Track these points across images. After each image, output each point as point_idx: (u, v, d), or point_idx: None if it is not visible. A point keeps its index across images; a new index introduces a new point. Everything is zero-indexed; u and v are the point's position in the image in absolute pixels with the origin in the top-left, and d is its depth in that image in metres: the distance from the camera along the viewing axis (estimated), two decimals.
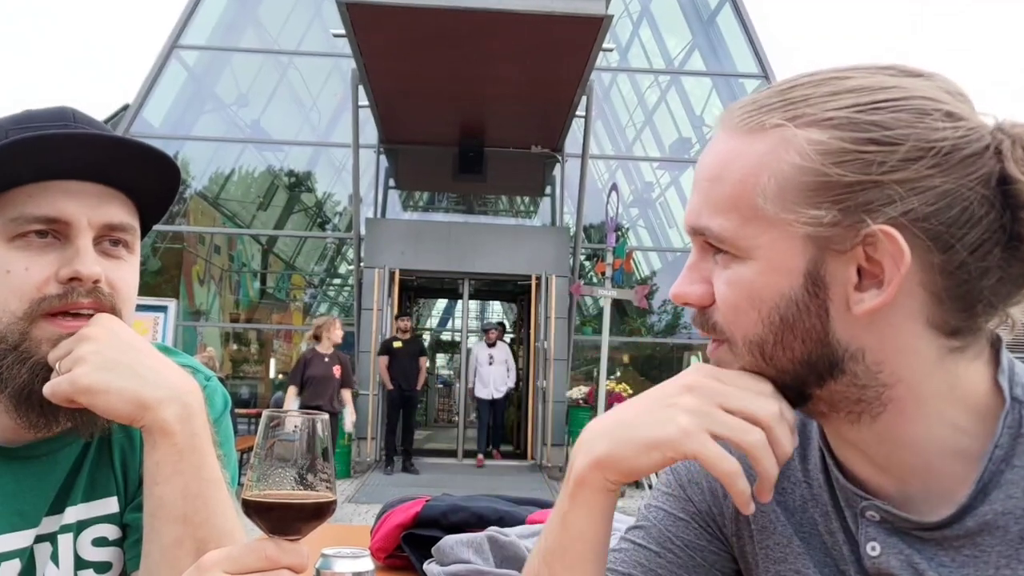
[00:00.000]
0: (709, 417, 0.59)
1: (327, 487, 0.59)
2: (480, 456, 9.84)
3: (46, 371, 0.75)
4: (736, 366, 0.63)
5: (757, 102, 0.62)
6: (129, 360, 0.74)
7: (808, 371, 0.61)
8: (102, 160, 0.77)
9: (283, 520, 0.58)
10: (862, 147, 0.56)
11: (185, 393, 0.76)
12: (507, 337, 10.93)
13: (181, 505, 0.74)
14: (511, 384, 10.18)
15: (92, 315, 0.77)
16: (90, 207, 0.77)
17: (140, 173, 0.80)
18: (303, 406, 6.27)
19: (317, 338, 6.93)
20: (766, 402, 0.60)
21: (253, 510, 0.57)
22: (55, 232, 0.76)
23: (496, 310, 19.28)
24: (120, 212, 0.80)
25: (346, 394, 7.06)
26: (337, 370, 6.90)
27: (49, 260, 0.75)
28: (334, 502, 0.60)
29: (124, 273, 0.81)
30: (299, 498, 0.58)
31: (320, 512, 0.59)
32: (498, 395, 9.94)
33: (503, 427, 10.35)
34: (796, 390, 0.62)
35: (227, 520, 0.76)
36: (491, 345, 10.04)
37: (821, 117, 0.58)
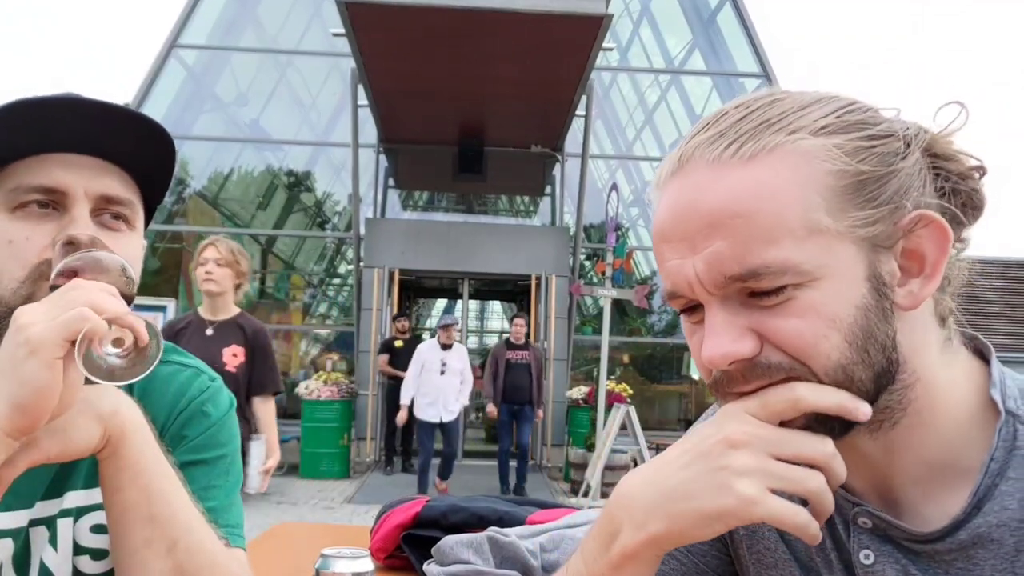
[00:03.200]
0: (766, 474, 0.54)
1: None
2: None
3: None
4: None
5: (727, 136, 0.58)
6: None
7: (880, 383, 0.57)
8: (99, 132, 0.79)
9: None
10: (870, 143, 0.57)
11: (111, 398, 0.75)
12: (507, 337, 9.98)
13: (146, 506, 0.74)
14: (465, 401, 7.52)
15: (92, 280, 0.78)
16: (87, 178, 0.79)
17: (134, 143, 0.81)
18: None
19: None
20: (818, 440, 0.56)
21: None
22: (53, 203, 0.78)
23: (496, 310, 19.28)
24: (117, 185, 0.81)
25: (261, 409, 3.45)
26: (232, 355, 3.34)
27: (48, 229, 0.78)
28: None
29: (123, 246, 0.81)
30: None
31: None
32: (449, 417, 7.26)
33: (455, 457, 7.65)
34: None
35: (190, 515, 0.77)
36: (446, 347, 7.33)
37: (818, 126, 0.57)
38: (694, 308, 0.61)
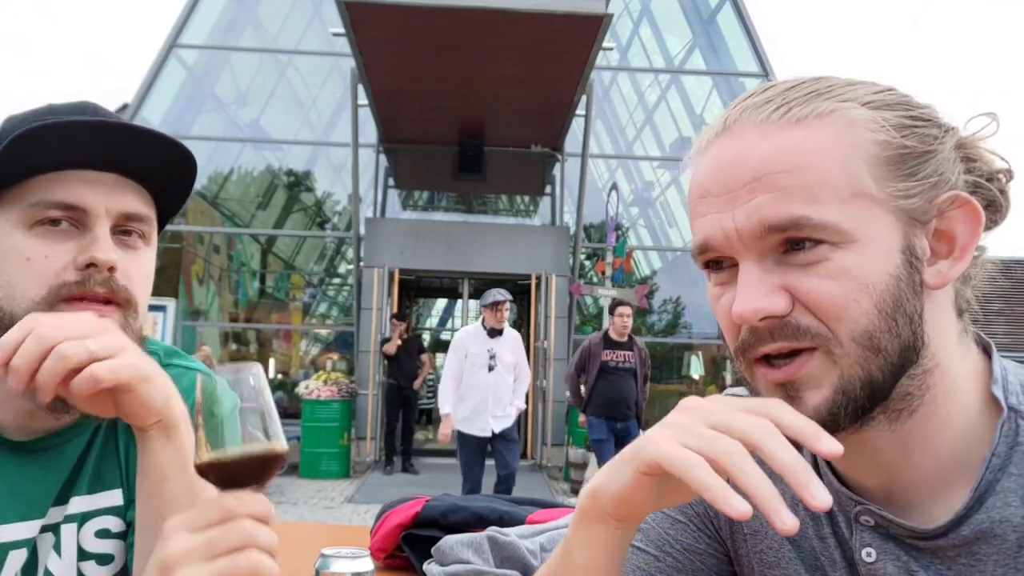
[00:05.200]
0: (684, 430, 0.53)
1: (272, 436, 0.57)
2: None
3: None
4: (835, 372, 0.57)
5: (774, 102, 0.59)
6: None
7: (905, 358, 0.57)
8: (119, 150, 0.78)
9: (234, 474, 0.56)
10: (914, 122, 0.58)
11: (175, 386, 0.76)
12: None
13: (186, 502, 0.74)
14: (521, 404, 5.47)
15: (108, 303, 0.78)
16: (107, 196, 0.78)
17: (156, 163, 0.81)
18: None
19: None
20: (753, 419, 0.52)
21: (202, 473, 0.56)
22: (73, 220, 0.77)
23: None
24: (137, 202, 0.81)
25: None
26: None
27: (67, 247, 0.77)
28: (284, 452, 0.58)
29: (139, 263, 0.82)
30: (246, 451, 0.56)
31: (269, 462, 0.57)
32: (501, 425, 5.21)
33: (513, 483, 5.33)
34: (887, 387, 0.58)
35: None
36: (494, 333, 5.29)
37: (864, 100, 0.59)
38: (721, 268, 0.62)
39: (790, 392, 0.59)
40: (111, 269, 0.77)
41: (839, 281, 0.56)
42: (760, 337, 0.59)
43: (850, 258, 0.56)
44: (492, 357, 5.27)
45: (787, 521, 0.48)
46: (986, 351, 0.64)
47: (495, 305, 5.30)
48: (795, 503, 0.69)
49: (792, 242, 0.57)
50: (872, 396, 0.57)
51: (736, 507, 0.48)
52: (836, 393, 0.57)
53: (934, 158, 0.58)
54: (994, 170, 0.61)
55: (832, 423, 0.57)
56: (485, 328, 5.35)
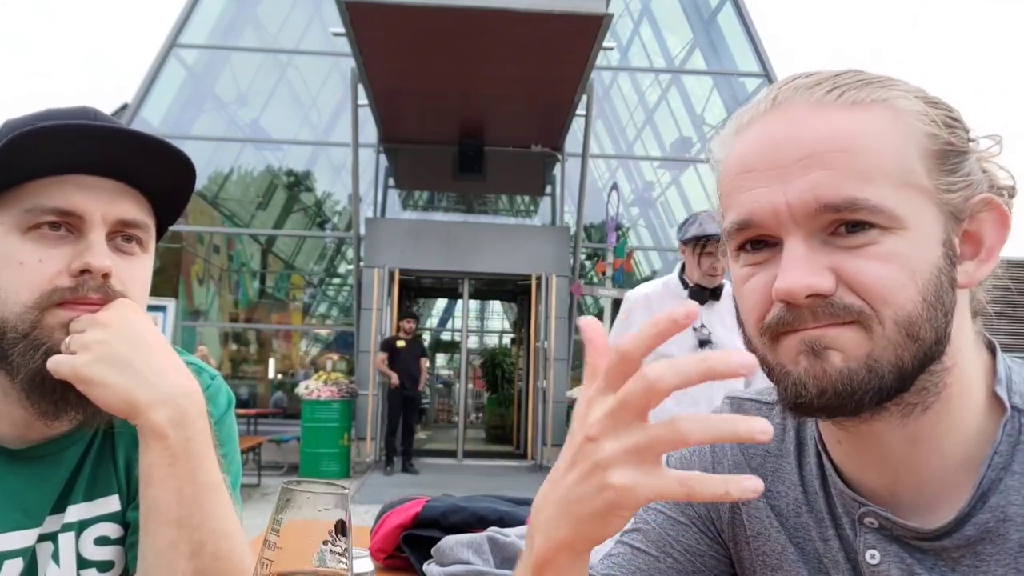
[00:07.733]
0: (627, 452, 0.49)
1: (340, 562, 0.57)
2: None
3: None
4: (867, 348, 0.56)
5: (826, 84, 0.59)
6: (132, 356, 0.73)
7: (936, 351, 0.57)
8: (118, 155, 0.77)
9: None
10: (954, 121, 0.59)
11: (182, 396, 0.74)
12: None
13: (175, 508, 0.73)
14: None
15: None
16: (104, 202, 0.77)
17: (155, 169, 0.80)
18: None
19: None
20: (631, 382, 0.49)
21: None
22: (69, 225, 0.76)
23: (496, 310, 19.27)
24: (134, 208, 0.80)
25: None
26: None
27: (62, 253, 0.76)
28: None
29: (135, 270, 0.81)
30: None
31: None
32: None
33: None
34: (912, 377, 0.57)
35: (225, 523, 0.76)
36: (705, 294, 2.63)
37: (913, 94, 0.60)
38: (759, 247, 0.60)
39: (815, 348, 0.57)
40: (106, 276, 0.76)
41: (889, 264, 0.55)
42: (799, 316, 0.57)
43: (900, 243, 0.55)
44: (703, 340, 2.66)
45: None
46: (991, 350, 0.64)
47: (700, 241, 2.69)
48: (799, 506, 0.69)
49: (847, 224, 0.56)
50: (898, 382, 0.56)
51: (746, 487, 0.46)
52: (862, 368, 0.56)
53: (968, 159, 0.59)
54: (1000, 186, 0.62)
55: (850, 397, 0.56)
56: (686, 285, 2.77)
